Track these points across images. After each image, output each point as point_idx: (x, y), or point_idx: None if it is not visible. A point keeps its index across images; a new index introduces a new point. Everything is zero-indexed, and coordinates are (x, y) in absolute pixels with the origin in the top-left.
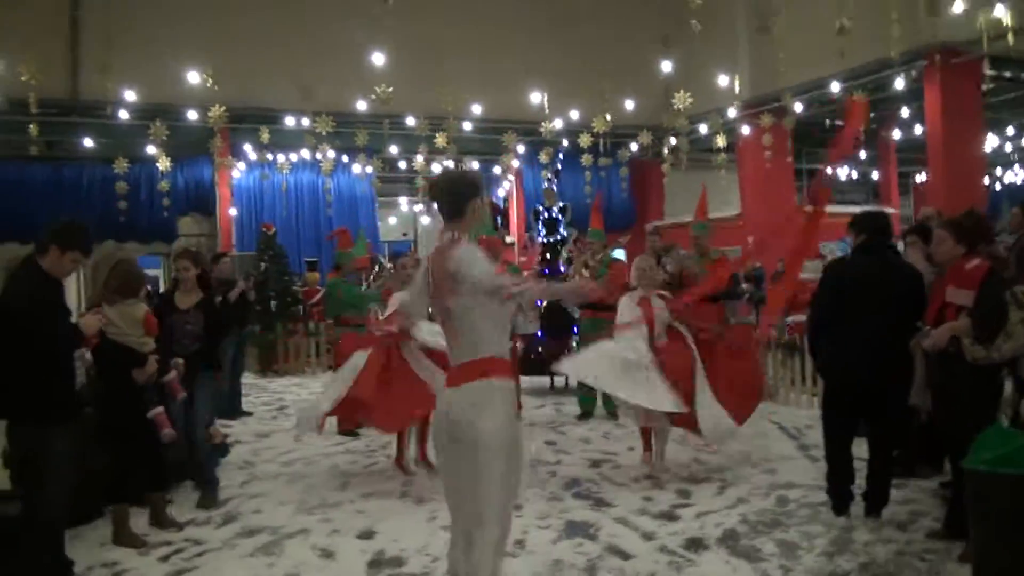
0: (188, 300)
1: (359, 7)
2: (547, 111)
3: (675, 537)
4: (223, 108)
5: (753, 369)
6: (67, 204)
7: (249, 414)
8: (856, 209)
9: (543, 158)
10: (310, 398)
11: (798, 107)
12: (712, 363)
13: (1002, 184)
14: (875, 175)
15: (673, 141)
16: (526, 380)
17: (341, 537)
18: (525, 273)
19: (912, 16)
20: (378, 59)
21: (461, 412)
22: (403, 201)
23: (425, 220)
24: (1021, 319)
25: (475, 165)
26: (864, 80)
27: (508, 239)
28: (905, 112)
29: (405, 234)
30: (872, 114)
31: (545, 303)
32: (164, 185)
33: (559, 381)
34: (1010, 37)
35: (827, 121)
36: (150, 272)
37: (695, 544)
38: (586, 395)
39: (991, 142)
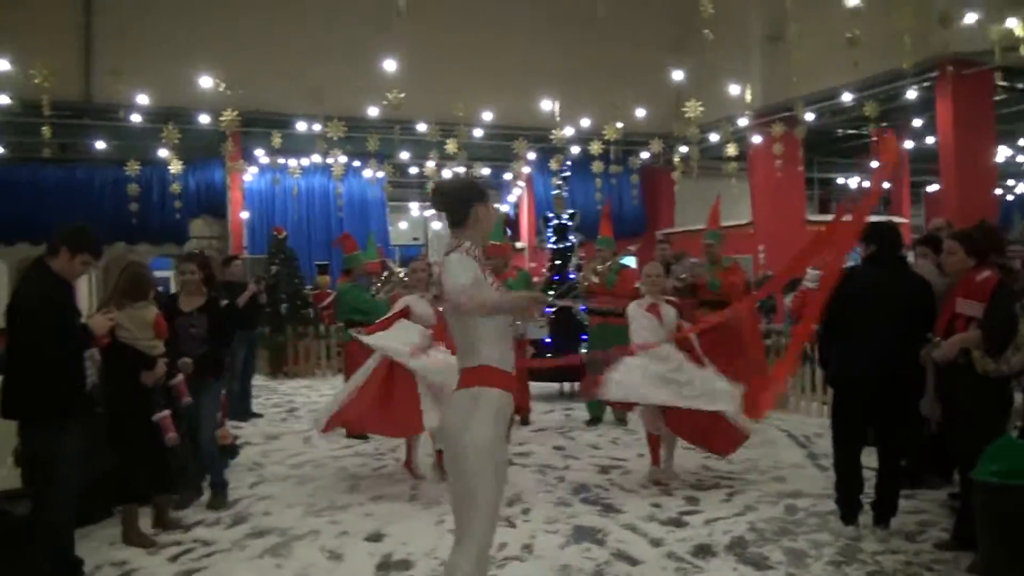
0: (192, 303)
1: (372, 13)
2: (558, 118)
3: (683, 544)
4: (235, 112)
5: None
6: (79, 206)
7: (259, 416)
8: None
9: (553, 165)
10: (321, 400)
11: (810, 116)
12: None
13: (1014, 195)
14: (886, 185)
15: (684, 149)
16: (536, 385)
17: (349, 539)
18: (535, 279)
19: (924, 27)
20: (390, 65)
21: (447, 420)
22: (414, 206)
23: (436, 225)
24: None
25: (486, 171)
26: (876, 91)
27: (519, 245)
28: (917, 123)
29: (416, 239)
30: (884, 124)
31: (555, 309)
32: (176, 188)
33: (567, 386)
34: (1022, 49)
35: (839, 131)
36: (161, 274)
37: (703, 551)
38: (595, 401)
39: (1003, 153)
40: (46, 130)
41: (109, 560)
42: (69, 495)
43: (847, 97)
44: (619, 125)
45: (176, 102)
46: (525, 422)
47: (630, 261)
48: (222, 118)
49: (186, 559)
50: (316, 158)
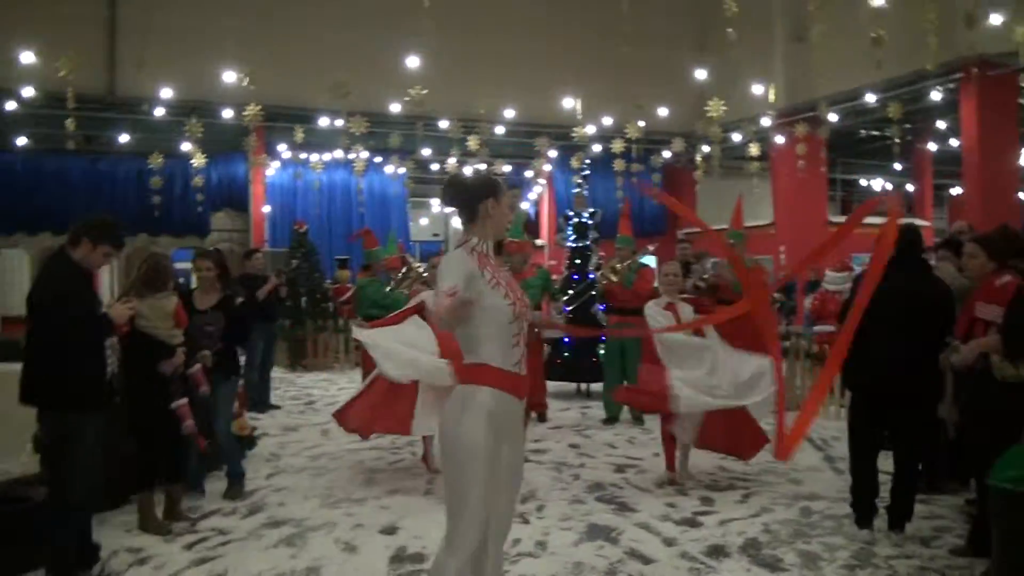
0: (207, 301)
1: (395, 9)
2: (580, 116)
3: (697, 544)
4: (258, 107)
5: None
6: (102, 197)
7: (277, 408)
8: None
9: (574, 163)
10: (339, 394)
11: (833, 117)
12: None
13: None
14: (910, 187)
15: (706, 148)
16: (552, 384)
17: (364, 532)
18: (554, 277)
19: (949, 28)
20: (413, 62)
21: (443, 417)
22: (435, 202)
23: (456, 221)
24: None
25: (507, 168)
26: (900, 91)
27: (538, 243)
28: (941, 124)
29: (436, 235)
30: (907, 126)
31: (572, 308)
32: (198, 181)
33: (583, 386)
34: None
35: (862, 132)
36: (182, 266)
37: (717, 551)
38: (612, 399)
39: None
40: (70, 122)
41: (125, 546)
42: (86, 481)
43: (871, 98)
44: (641, 124)
45: (200, 96)
46: (542, 419)
47: (650, 260)
48: (245, 112)
49: (202, 547)
50: (338, 153)
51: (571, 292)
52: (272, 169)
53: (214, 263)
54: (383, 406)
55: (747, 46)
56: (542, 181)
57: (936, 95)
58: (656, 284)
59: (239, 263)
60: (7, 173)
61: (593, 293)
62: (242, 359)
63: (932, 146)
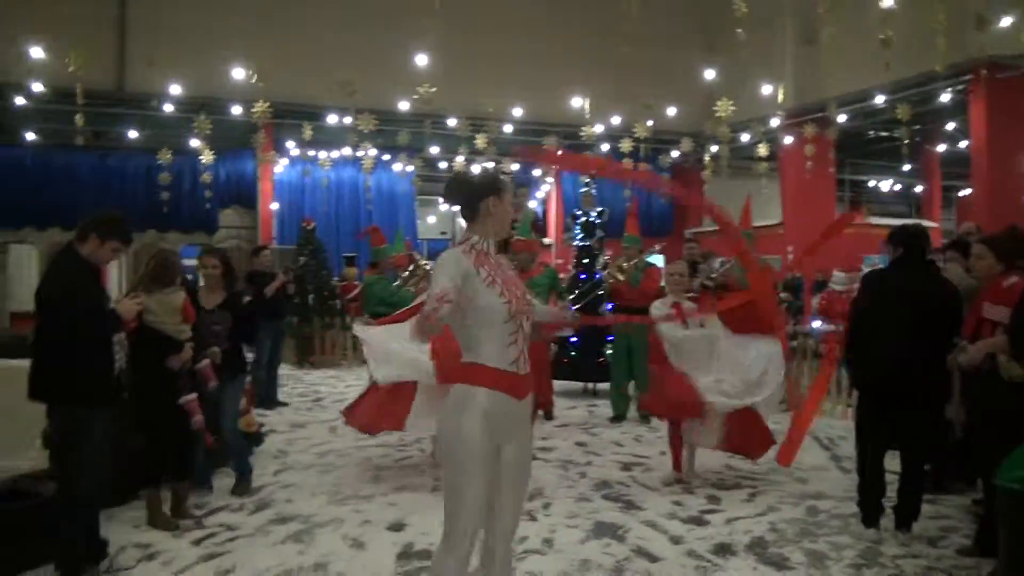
0: (213, 300)
1: (404, 7)
2: (588, 115)
3: (703, 542)
4: (267, 104)
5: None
6: (111, 193)
7: (285, 404)
8: (897, 222)
9: None
10: (347, 391)
11: (842, 118)
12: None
13: None
14: (918, 188)
15: (715, 148)
16: (560, 383)
17: (372, 528)
18: (562, 276)
19: (959, 29)
20: (421, 60)
21: (440, 415)
22: (442, 200)
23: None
24: None
25: (515, 167)
26: (909, 93)
27: (546, 242)
28: (950, 126)
29: (444, 233)
30: (916, 127)
31: (579, 307)
32: (207, 177)
33: (589, 384)
34: None
35: (871, 133)
36: (190, 263)
37: (723, 550)
38: (619, 397)
39: None
40: (79, 118)
41: (133, 542)
42: (94, 477)
43: (880, 99)
44: (650, 123)
45: (208, 92)
46: (549, 417)
47: (657, 260)
48: (254, 109)
49: (209, 543)
50: (347, 151)
51: (578, 291)
52: (280, 166)
53: (220, 261)
54: (388, 404)
55: (756, 46)
56: (550, 180)
57: (945, 97)
58: (663, 283)
59: (247, 260)
60: (16, 168)
61: (600, 292)
62: (249, 356)
63: (941, 147)
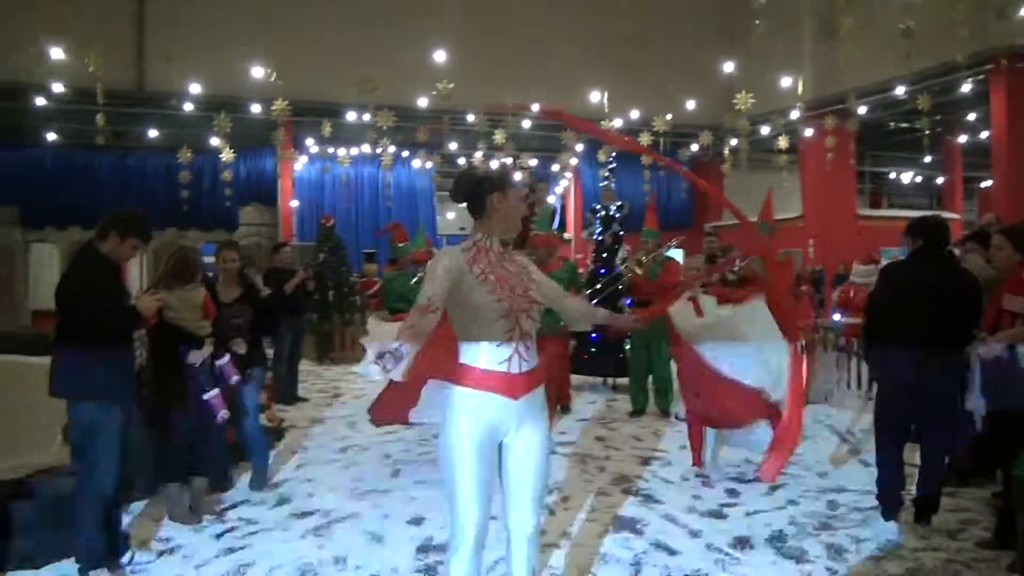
0: (231, 293)
1: (422, 4)
2: (607, 109)
3: (722, 535)
4: (286, 101)
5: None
6: (132, 192)
7: (305, 400)
8: (917, 214)
9: (601, 156)
10: (367, 387)
11: (862, 109)
12: None
13: None
14: (939, 180)
15: (734, 142)
16: (579, 377)
17: (391, 523)
18: (580, 271)
19: (980, 20)
20: (440, 56)
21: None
22: (450, 197)
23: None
24: None
25: (533, 162)
26: (930, 83)
27: (566, 236)
28: (971, 117)
29: (463, 228)
30: (937, 118)
31: (598, 301)
32: (227, 175)
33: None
34: None
35: (891, 124)
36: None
37: (742, 543)
38: (639, 392)
39: None
40: (100, 118)
41: (155, 536)
42: (115, 472)
43: (900, 90)
44: (668, 117)
45: (228, 91)
46: (565, 410)
47: (677, 254)
48: (273, 107)
49: (229, 537)
50: (366, 148)
51: (598, 286)
52: (300, 163)
53: (239, 254)
54: (397, 397)
55: (776, 39)
56: (568, 175)
57: (966, 87)
58: (682, 278)
59: (267, 257)
60: (37, 168)
61: (620, 287)
62: (270, 352)
63: (962, 138)
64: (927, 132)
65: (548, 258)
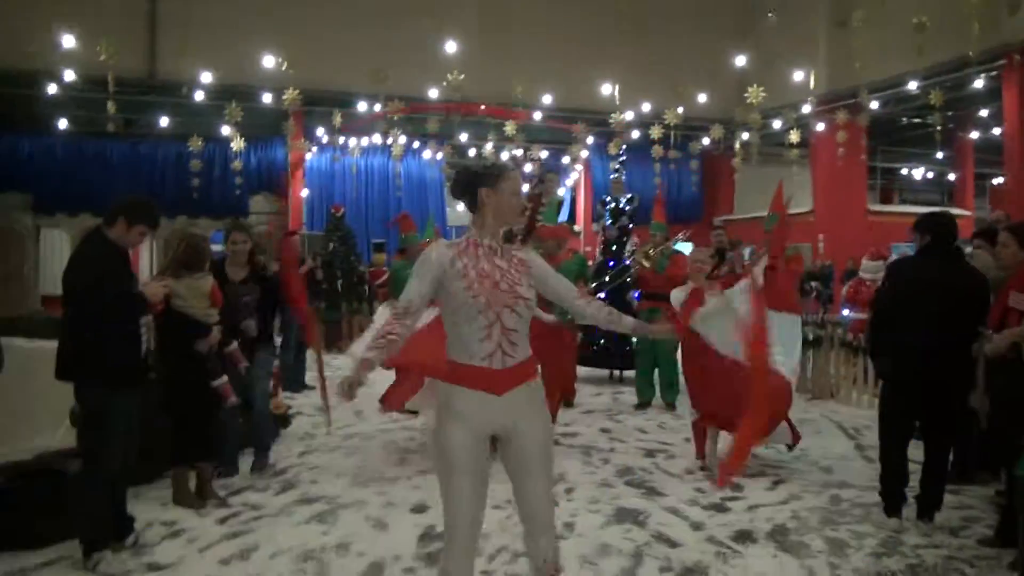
0: (240, 273)
1: None
2: (618, 102)
3: (724, 528)
4: (297, 91)
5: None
6: (142, 180)
7: (311, 388)
8: (928, 210)
9: (612, 149)
10: (373, 376)
11: (874, 104)
12: None
13: None
14: (951, 176)
15: (745, 136)
16: (585, 370)
17: (395, 510)
18: (589, 263)
19: (992, 15)
20: (451, 47)
21: None
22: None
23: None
24: None
25: (544, 154)
26: (942, 78)
27: (576, 228)
28: (983, 112)
29: None
30: (949, 114)
31: (607, 294)
32: (237, 164)
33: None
34: None
35: (903, 119)
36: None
37: (743, 536)
38: (644, 385)
39: None
40: (111, 105)
41: (159, 519)
42: (120, 455)
43: (912, 85)
44: (680, 110)
45: (239, 80)
46: (569, 404)
47: (685, 247)
48: (284, 97)
49: (234, 522)
50: (376, 138)
51: (606, 278)
52: (310, 153)
53: (248, 236)
54: (398, 384)
55: (788, 32)
56: (579, 167)
57: (978, 82)
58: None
59: (277, 246)
60: (49, 156)
61: (628, 279)
62: (278, 340)
63: (974, 134)
64: (939, 128)
65: (557, 250)
